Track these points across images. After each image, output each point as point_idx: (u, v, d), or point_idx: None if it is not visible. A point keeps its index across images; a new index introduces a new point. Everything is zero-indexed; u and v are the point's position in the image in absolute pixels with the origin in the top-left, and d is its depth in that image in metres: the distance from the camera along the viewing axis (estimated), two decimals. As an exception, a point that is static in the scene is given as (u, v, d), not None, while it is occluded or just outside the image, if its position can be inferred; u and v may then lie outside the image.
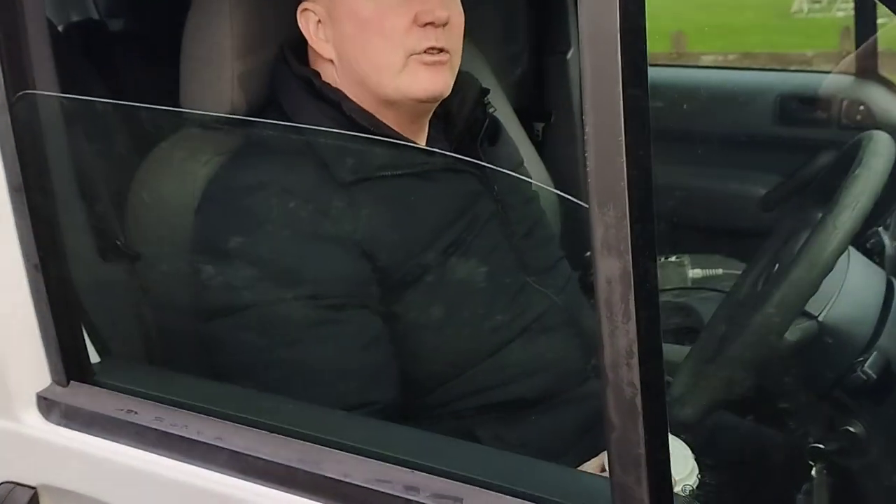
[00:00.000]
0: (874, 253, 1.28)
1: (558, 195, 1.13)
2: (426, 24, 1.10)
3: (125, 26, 2.57)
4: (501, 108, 1.91)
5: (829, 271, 0.97)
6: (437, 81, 1.13)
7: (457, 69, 1.17)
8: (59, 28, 2.34)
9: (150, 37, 2.31)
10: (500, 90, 1.97)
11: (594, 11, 0.65)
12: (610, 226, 0.68)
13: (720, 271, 2.07)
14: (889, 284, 1.15)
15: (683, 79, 2.57)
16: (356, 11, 1.11)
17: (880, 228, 1.34)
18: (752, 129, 2.28)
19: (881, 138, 1.08)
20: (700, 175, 2.30)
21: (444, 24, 1.11)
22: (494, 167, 1.25)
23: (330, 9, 1.14)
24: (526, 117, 2.09)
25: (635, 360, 0.70)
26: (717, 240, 2.16)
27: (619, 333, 0.70)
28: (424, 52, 1.11)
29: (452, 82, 1.16)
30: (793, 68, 3.14)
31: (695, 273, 2.08)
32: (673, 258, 2.09)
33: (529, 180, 1.38)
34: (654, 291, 0.69)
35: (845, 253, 1.18)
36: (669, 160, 2.18)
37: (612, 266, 0.69)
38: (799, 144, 2.17)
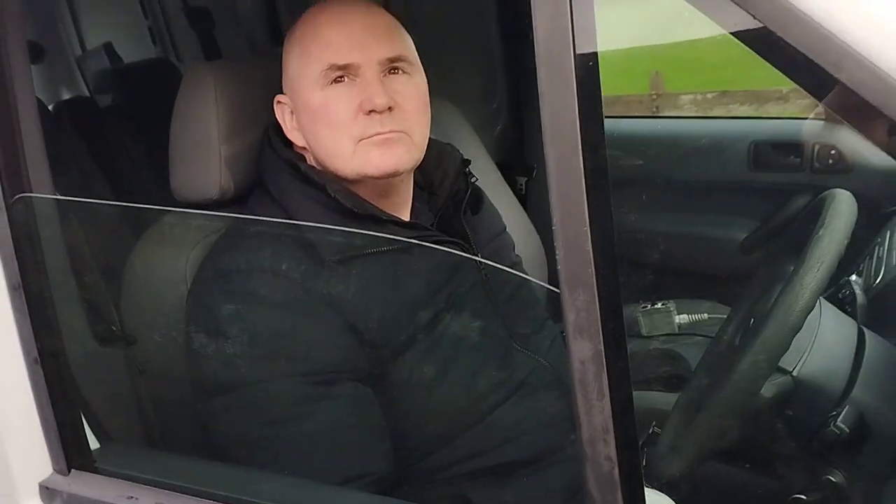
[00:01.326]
0: (846, 303, 1.32)
1: (531, 281, 1.18)
2: (370, 112, 1.16)
3: (114, 102, 2.64)
4: (484, 166, 1.97)
5: (798, 330, 1.01)
6: (388, 159, 1.17)
7: (419, 143, 1.22)
8: (50, 107, 2.41)
9: (137, 112, 2.38)
10: (483, 147, 2.03)
11: (553, 100, 0.70)
12: (581, 310, 0.73)
13: (706, 316, 2.10)
14: (860, 335, 1.19)
15: (662, 130, 2.64)
16: (308, 103, 1.18)
17: (852, 278, 1.38)
18: (729, 176, 2.34)
19: (843, 197, 1.13)
20: (682, 222, 2.36)
21: (389, 110, 1.17)
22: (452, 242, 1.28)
23: (295, 100, 1.21)
24: (509, 172, 2.15)
25: (611, 436, 0.74)
26: (701, 285, 2.21)
27: (594, 411, 0.74)
28: (372, 136, 1.16)
29: (414, 156, 1.21)
30: (765, 116, 3.22)
31: (681, 319, 2.12)
32: (659, 305, 2.12)
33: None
34: (626, 371, 0.73)
35: (817, 306, 1.23)
36: (652, 209, 2.24)
37: (584, 348, 0.73)
38: (774, 189, 2.23)
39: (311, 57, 1.18)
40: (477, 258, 1.22)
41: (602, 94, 0.70)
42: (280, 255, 1.16)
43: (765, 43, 0.61)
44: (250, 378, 1.13)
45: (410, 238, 1.22)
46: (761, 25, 0.59)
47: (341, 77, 1.17)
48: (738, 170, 2.29)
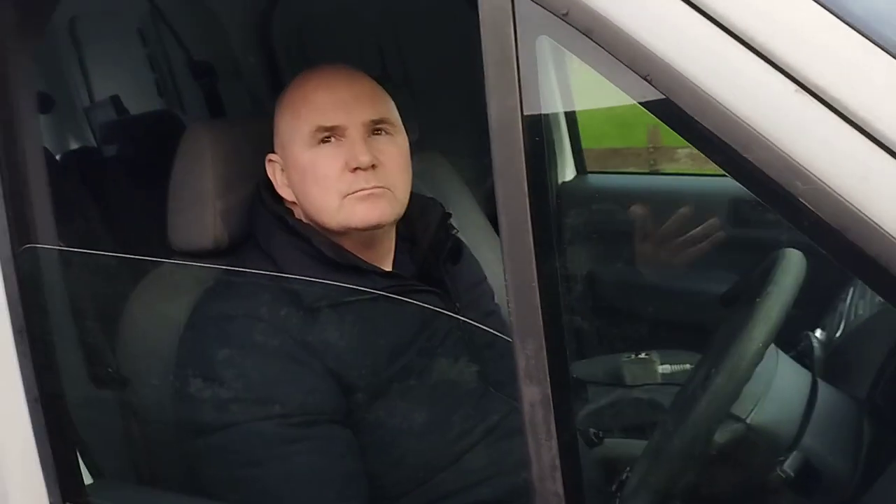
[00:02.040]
0: (804, 355, 1.39)
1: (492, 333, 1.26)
2: (355, 169, 1.25)
3: (119, 152, 2.74)
4: (473, 217, 2.05)
5: (747, 380, 1.08)
6: (372, 212, 1.27)
7: (401, 198, 1.31)
8: (57, 157, 2.51)
9: (142, 163, 2.47)
10: (473, 199, 2.12)
11: (504, 169, 0.79)
12: (530, 357, 0.80)
13: (688, 366, 2.16)
14: (814, 385, 1.25)
15: (648, 186, 2.74)
16: (297, 161, 1.28)
17: (817, 332, 1.45)
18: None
19: (792, 257, 1.21)
20: (665, 275, 2.43)
21: (373, 167, 1.26)
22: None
23: (286, 160, 1.31)
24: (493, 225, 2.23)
25: (559, 473, 0.81)
26: (683, 336, 2.27)
27: (542, 450, 0.81)
28: (357, 191, 1.26)
29: (396, 209, 1.30)
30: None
31: (664, 369, 2.18)
32: (643, 355, 2.19)
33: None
34: (571, 413, 0.81)
35: (774, 357, 1.30)
36: (636, 262, 2.33)
37: (533, 392, 0.81)
38: (753, 245, 2.31)
39: (300, 119, 1.28)
40: (442, 311, 1.30)
41: (547, 164, 0.79)
42: (266, 303, 1.24)
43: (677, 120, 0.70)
44: (234, 419, 1.20)
45: (390, 287, 1.30)
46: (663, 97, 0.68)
47: (328, 137, 1.27)
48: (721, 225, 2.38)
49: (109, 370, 1.27)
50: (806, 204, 0.68)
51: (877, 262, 0.67)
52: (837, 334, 1.49)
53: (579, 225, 2.47)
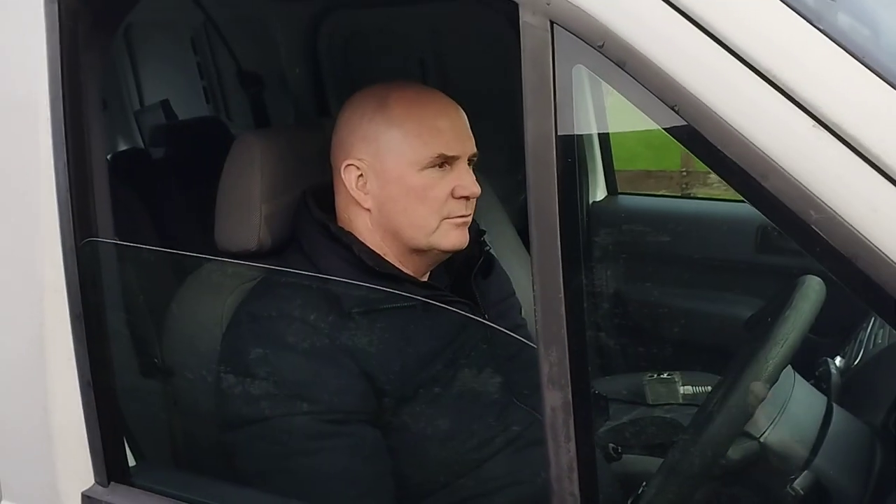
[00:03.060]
0: (822, 380, 1.43)
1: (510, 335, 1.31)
2: (460, 197, 1.32)
3: (166, 155, 2.83)
4: (506, 233, 2.11)
5: (763, 400, 1.12)
6: (463, 238, 1.36)
7: None
8: (108, 157, 2.60)
9: (187, 165, 2.56)
10: (506, 215, 2.18)
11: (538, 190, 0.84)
12: (553, 364, 0.86)
13: (709, 388, 2.19)
14: (829, 410, 1.29)
15: (677, 209, 2.78)
16: (404, 178, 1.32)
17: (830, 359, 1.49)
18: (738, 257, 2.46)
19: (812, 283, 1.26)
20: (693, 298, 2.47)
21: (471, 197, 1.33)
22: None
23: (377, 169, 1.33)
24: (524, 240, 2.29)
25: (575, 475, 0.86)
26: (707, 359, 2.31)
27: (561, 452, 0.87)
28: (455, 217, 1.33)
29: None
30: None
31: (685, 389, 2.21)
32: (665, 375, 2.22)
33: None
34: (590, 419, 0.86)
35: (791, 380, 1.34)
36: (664, 284, 2.36)
37: (555, 397, 0.86)
38: (779, 271, 2.34)
39: (419, 141, 1.32)
40: (475, 317, 1.35)
41: (578, 184, 0.85)
42: (307, 305, 1.30)
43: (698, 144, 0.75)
44: (270, 413, 1.27)
45: (424, 296, 1.36)
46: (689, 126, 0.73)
47: (443, 164, 1.33)
48: (746, 251, 2.41)
49: (155, 360, 1.34)
50: (819, 232, 0.73)
51: (884, 290, 0.71)
52: (856, 362, 1.53)
53: (608, 243, 2.52)
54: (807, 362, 1.44)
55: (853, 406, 1.35)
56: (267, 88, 2.88)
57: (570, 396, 0.85)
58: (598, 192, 2.70)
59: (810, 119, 0.74)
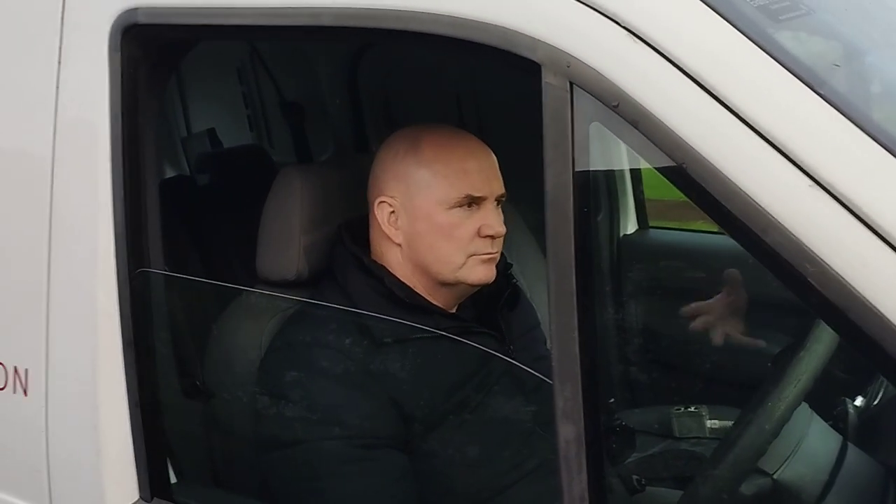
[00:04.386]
0: (839, 419, 1.46)
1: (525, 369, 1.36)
2: (486, 236, 1.39)
3: (210, 182, 2.93)
4: (534, 264, 2.16)
5: (775, 437, 1.17)
6: (489, 273, 1.43)
7: None
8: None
9: (231, 193, 2.65)
10: (536, 246, 2.23)
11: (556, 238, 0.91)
12: (567, 399, 0.92)
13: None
14: (843, 449, 1.33)
15: (709, 245, 2.81)
16: (432, 217, 1.39)
17: (848, 399, 1.52)
18: (769, 293, 2.47)
19: (825, 327, 1.30)
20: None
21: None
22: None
23: (407, 207, 1.40)
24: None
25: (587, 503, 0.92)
26: (734, 393, 2.33)
27: (574, 483, 0.92)
28: (482, 254, 1.40)
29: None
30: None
31: (712, 423, 2.23)
32: (693, 409, 2.25)
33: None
34: (601, 451, 0.92)
35: (807, 419, 1.38)
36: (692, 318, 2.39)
37: (568, 430, 0.92)
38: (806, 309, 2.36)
39: (447, 182, 1.38)
40: (493, 352, 1.41)
41: (597, 231, 0.91)
42: (340, 334, 1.38)
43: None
44: (304, 437, 1.34)
45: (452, 327, 1.43)
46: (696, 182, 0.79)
47: (469, 204, 1.39)
48: (778, 288, 2.44)
49: (197, 383, 1.43)
50: (814, 284, 0.79)
51: (873, 339, 0.77)
52: (876, 401, 1.55)
53: (638, 277, 2.56)
54: (824, 401, 1.47)
55: (870, 446, 1.38)
56: (308, 119, 2.98)
57: (582, 430, 0.91)
58: (629, 226, 2.75)
59: (808, 178, 0.80)
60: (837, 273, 0.78)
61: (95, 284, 1.24)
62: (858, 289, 0.77)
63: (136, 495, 1.26)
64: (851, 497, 1.25)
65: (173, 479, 1.30)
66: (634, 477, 1.67)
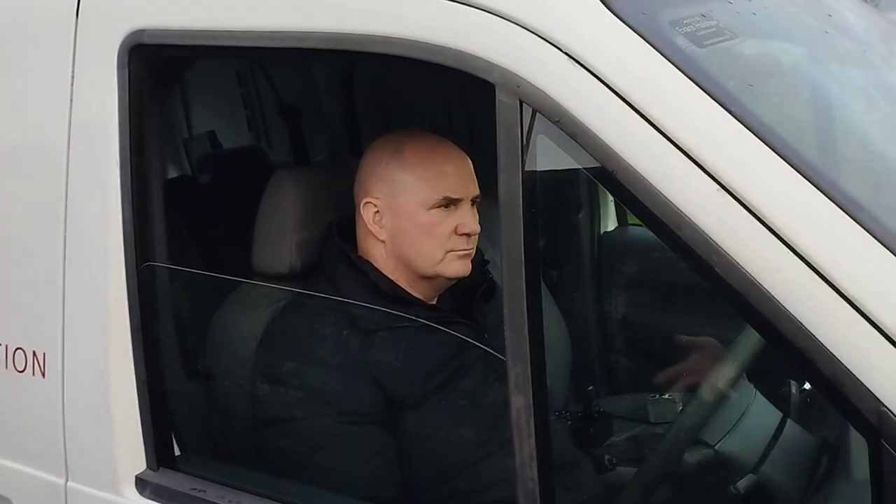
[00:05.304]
0: (782, 399, 1.60)
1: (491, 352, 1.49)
2: (463, 234, 1.53)
3: (211, 181, 3.06)
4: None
5: (713, 412, 1.31)
6: (465, 268, 1.56)
7: None
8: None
9: (230, 191, 2.78)
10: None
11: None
12: (518, 374, 1.06)
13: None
14: (782, 423, 1.47)
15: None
16: (413, 216, 1.52)
17: (793, 381, 1.66)
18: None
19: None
20: (692, 324, 2.62)
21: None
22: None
23: (391, 207, 1.54)
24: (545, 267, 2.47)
25: (535, 463, 1.06)
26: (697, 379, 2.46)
27: (524, 445, 1.06)
28: (459, 250, 1.53)
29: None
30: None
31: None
32: (666, 396, 2.39)
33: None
34: (547, 419, 1.06)
35: (750, 396, 1.52)
36: (661, 310, 2.52)
37: (519, 401, 1.06)
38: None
39: (427, 185, 1.51)
40: (471, 340, 1.55)
41: (539, 230, 1.05)
42: (328, 323, 1.52)
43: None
44: (297, 414, 1.48)
45: (431, 317, 1.57)
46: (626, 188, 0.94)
47: (448, 205, 1.53)
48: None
49: (199, 366, 1.57)
50: (720, 274, 0.93)
51: (769, 322, 0.91)
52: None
53: (618, 272, 2.69)
54: (773, 382, 1.61)
55: (809, 423, 1.52)
56: (304, 119, 3.10)
57: (531, 400, 1.05)
58: (610, 224, 2.89)
59: (715, 183, 0.94)
60: (739, 263, 0.92)
61: (106, 276, 1.38)
62: (756, 277, 0.92)
63: (143, 465, 1.41)
64: (786, 466, 1.39)
65: (177, 452, 1.44)
66: (606, 457, 1.82)
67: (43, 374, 1.45)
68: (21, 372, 1.48)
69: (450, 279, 1.57)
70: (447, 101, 2.73)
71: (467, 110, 2.68)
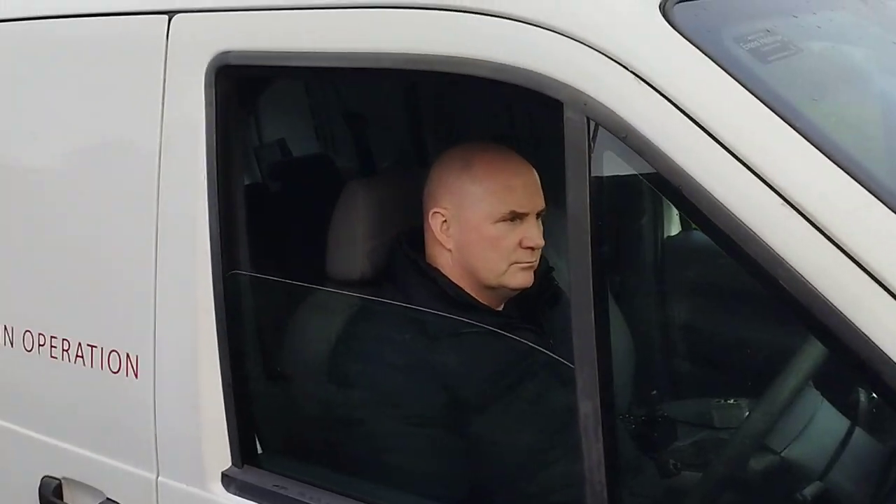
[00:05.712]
0: (850, 406, 1.60)
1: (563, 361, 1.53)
2: (528, 247, 1.57)
3: (281, 189, 3.16)
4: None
5: (779, 419, 1.33)
6: (528, 279, 1.60)
7: None
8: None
9: (300, 199, 2.88)
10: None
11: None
12: (586, 380, 1.11)
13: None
14: (850, 430, 1.48)
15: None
16: (480, 229, 1.57)
17: (862, 388, 1.66)
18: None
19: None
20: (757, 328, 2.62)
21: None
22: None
23: (459, 218, 1.59)
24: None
25: (603, 467, 1.11)
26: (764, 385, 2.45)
27: (592, 450, 1.11)
28: (522, 263, 1.58)
29: None
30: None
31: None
32: (731, 401, 2.39)
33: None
34: (615, 423, 1.10)
35: (817, 403, 1.53)
36: (726, 314, 2.52)
37: (587, 406, 1.11)
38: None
39: (495, 198, 1.55)
40: (536, 346, 1.59)
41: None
42: (398, 328, 1.58)
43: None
44: (370, 416, 1.55)
45: (497, 323, 1.62)
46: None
47: (513, 218, 1.57)
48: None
49: (278, 369, 1.65)
50: (784, 286, 0.96)
51: (834, 334, 0.94)
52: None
53: (680, 275, 2.70)
54: (841, 389, 1.62)
55: (878, 431, 1.52)
56: (370, 127, 3.18)
57: (598, 405, 1.09)
58: (673, 228, 2.89)
59: (779, 198, 0.97)
60: (803, 276, 0.95)
61: (195, 284, 1.47)
62: (820, 289, 0.94)
63: (229, 462, 1.49)
64: (854, 473, 1.40)
65: (260, 450, 1.53)
66: (671, 461, 1.85)
67: (136, 375, 1.55)
68: (115, 373, 1.58)
69: (513, 290, 1.62)
70: (509, 108, 2.77)
71: (530, 118, 2.72)
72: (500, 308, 1.69)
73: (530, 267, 1.59)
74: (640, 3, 1.13)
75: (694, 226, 2.92)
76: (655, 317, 2.56)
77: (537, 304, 1.72)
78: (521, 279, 1.59)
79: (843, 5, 1.46)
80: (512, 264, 1.58)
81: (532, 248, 1.58)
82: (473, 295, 1.63)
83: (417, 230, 1.69)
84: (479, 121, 2.55)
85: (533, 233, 1.58)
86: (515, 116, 2.65)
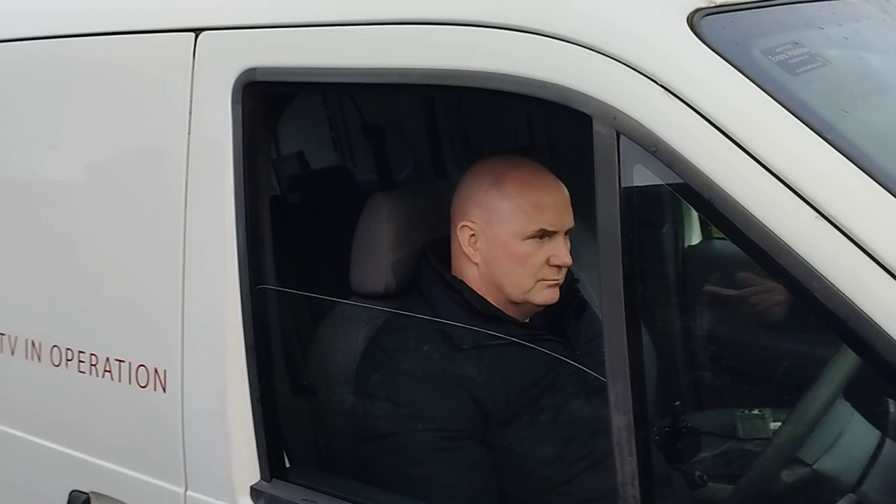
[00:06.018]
0: (879, 417, 1.59)
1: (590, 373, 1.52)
2: (555, 265, 1.57)
3: (300, 201, 3.18)
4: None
5: (810, 431, 1.32)
6: (553, 296, 1.61)
7: None
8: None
9: (319, 211, 2.89)
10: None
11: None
12: (619, 394, 1.10)
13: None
14: (881, 443, 1.47)
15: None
16: (508, 245, 1.57)
17: (891, 400, 1.65)
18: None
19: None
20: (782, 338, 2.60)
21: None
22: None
23: (487, 233, 1.59)
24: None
25: (637, 481, 1.10)
26: (793, 396, 2.44)
27: (626, 464, 1.10)
28: (549, 280, 1.58)
29: None
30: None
31: (776, 426, 2.35)
32: (756, 411, 2.37)
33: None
34: (648, 437, 1.10)
35: (848, 415, 1.52)
36: (750, 324, 2.51)
37: (620, 420, 1.10)
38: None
39: (525, 216, 1.55)
40: (562, 357, 1.59)
41: (643, 253, 1.09)
42: (425, 341, 1.59)
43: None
44: (396, 429, 1.55)
45: (523, 335, 1.62)
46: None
47: (541, 236, 1.57)
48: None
49: (304, 383, 1.66)
50: (819, 298, 0.96)
51: (869, 344, 0.93)
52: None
53: (699, 285, 2.69)
54: (872, 401, 1.60)
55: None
56: (388, 139, 3.19)
57: (631, 420, 1.09)
58: (694, 238, 2.88)
59: (813, 211, 0.97)
60: (838, 288, 0.95)
61: (223, 299, 1.47)
62: (855, 301, 0.94)
63: (257, 476, 1.50)
64: (887, 486, 1.39)
65: (288, 464, 1.53)
66: (697, 473, 1.83)
67: (164, 390, 1.56)
68: (143, 387, 1.59)
69: (538, 306, 1.62)
70: (528, 120, 2.77)
71: (547, 130, 2.72)
72: (527, 320, 1.69)
73: (556, 284, 1.59)
74: (667, 16, 1.13)
75: (715, 229, 2.94)
76: (676, 326, 2.55)
77: (563, 315, 1.71)
78: (547, 296, 1.60)
79: (868, 16, 1.46)
80: (539, 281, 1.58)
81: (559, 267, 1.58)
82: (499, 307, 1.63)
83: (443, 242, 1.69)
84: (502, 135, 2.55)
85: (561, 251, 1.58)
86: (537, 130, 2.65)
